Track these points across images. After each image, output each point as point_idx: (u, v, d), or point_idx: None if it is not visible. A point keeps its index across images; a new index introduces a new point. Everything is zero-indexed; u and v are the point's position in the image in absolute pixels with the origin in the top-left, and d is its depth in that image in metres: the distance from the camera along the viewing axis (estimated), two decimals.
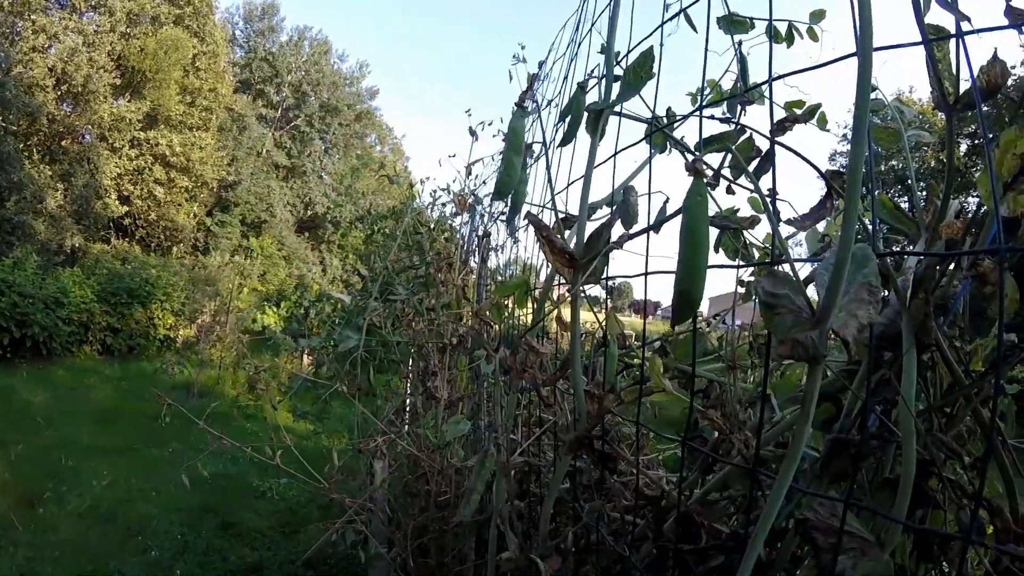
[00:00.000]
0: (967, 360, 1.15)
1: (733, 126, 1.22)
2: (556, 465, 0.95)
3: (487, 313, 1.03)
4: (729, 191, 1.29)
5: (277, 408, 9.28)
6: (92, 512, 5.34)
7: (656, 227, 0.87)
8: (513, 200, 0.98)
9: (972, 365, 1.16)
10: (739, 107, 1.40)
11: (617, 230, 0.96)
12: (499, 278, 2.70)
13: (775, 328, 0.69)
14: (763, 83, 1.01)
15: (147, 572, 4.53)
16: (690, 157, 0.92)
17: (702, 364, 1.31)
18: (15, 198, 17.04)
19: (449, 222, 3.56)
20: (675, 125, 1.28)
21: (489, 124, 2.86)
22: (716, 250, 1.40)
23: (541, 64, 2.30)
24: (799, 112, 1.38)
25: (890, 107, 1.30)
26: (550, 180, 1.00)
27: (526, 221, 1.55)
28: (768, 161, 1.20)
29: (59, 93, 18.94)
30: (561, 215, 1.00)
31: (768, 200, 0.99)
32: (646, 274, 0.89)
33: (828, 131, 1.46)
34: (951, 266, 1.05)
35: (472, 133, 2.76)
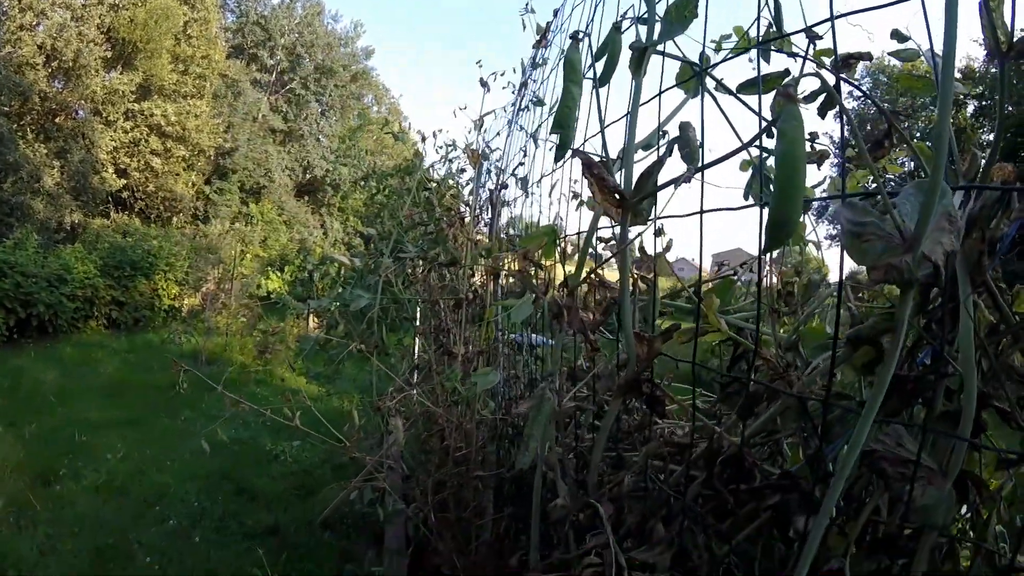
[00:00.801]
0: (1010, 302, 1.14)
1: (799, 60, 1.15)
2: (608, 409, 0.90)
3: (535, 255, 0.97)
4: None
5: (294, 369, 9.33)
6: (108, 486, 5.34)
7: (714, 164, 0.80)
8: (561, 138, 0.92)
9: (1016, 307, 1.15)
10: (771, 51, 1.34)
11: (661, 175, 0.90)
12: (511, 232, 2.64)
13: (865, 254, 0.65)
14: (823, 21, 0.96)
15: (166, 541, 4.54)
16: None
17: (732, 314, 1.26)
18: (12, 179, 16.93)
19: (456, 179, 3.47)
20: (716, 65, 1.21)
21: (501, 74, 2.76)
22: (746, 197, 1.34)
23: (556, 11, 2.21)
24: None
25: (925, 56, 1.28)
26: (600, 115, 0.93)
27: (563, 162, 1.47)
28: (833, 98, 1.14)
29: (50, 70, 18.67)
30: (597, 157, 0.93)
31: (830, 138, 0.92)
32: (701, 212, 0.83)
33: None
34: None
35: (483, 84, 2.67)
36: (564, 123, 0.89)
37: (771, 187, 0.64)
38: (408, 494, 2.73)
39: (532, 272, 0.94)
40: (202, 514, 4.99)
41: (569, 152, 0.93)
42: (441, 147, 3.50)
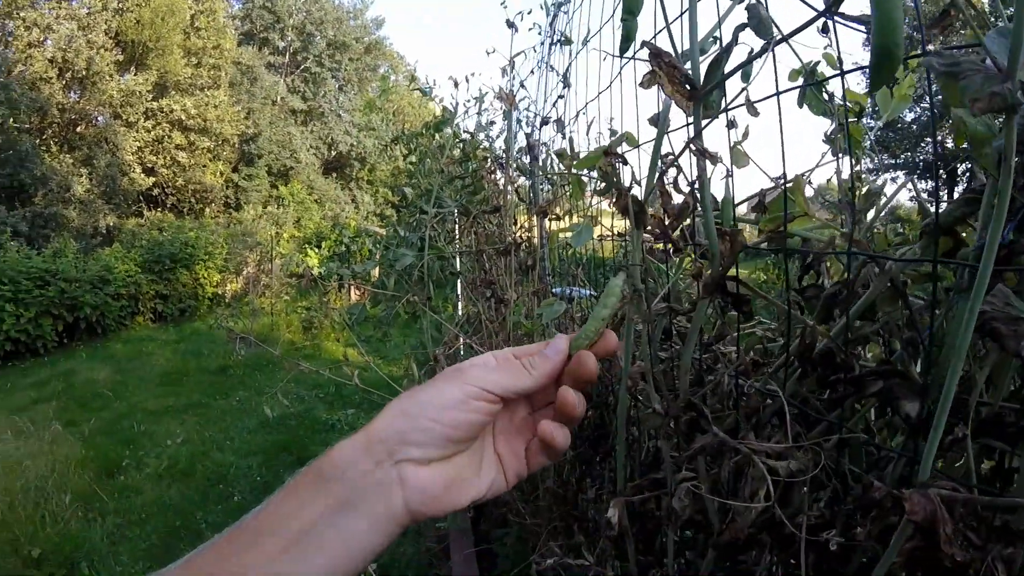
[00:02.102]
0: None
1: None
2: (696, 310, 0.86)
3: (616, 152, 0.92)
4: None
5: (339, 341, 9.41)
6: (171, 470, 5.48)
7: (791, 36, 0.75)
8: (626, 28, 0.86)
9: None
10: None
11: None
12: (550, 176, 2.59)
13: (964, 90, 0.60)
14: None
15: (233, 517, 4.54)
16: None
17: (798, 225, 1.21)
18: (42, 192, 17.24)
19: (487, 131, 3.41)
20: None
21: (528, 13, 2.68)
22: (800, 106, 1.28)
23: None
24: None
25: None
26: (663, 8, 0.87)
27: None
28: None
29: (64, 82, 18.84)
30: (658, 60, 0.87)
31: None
32: (777, 93, 0.78)
33: None
34: None
35: (511, 25, 2.60)
36: (633, 8, 0.83)
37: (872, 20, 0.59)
38: None
39: (614, 168, 0.89)
40: (265, 487, 5.08)
41: (637, 43, 0.88)
42: (470, 101, 3.44)
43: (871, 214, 1.20)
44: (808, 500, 0.86)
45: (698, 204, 0.88)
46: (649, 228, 0.85)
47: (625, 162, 0.92)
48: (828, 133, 1.48)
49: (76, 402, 7.43)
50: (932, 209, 1.17)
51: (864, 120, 1.57)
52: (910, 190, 1.35)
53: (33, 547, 4.08)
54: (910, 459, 0.78)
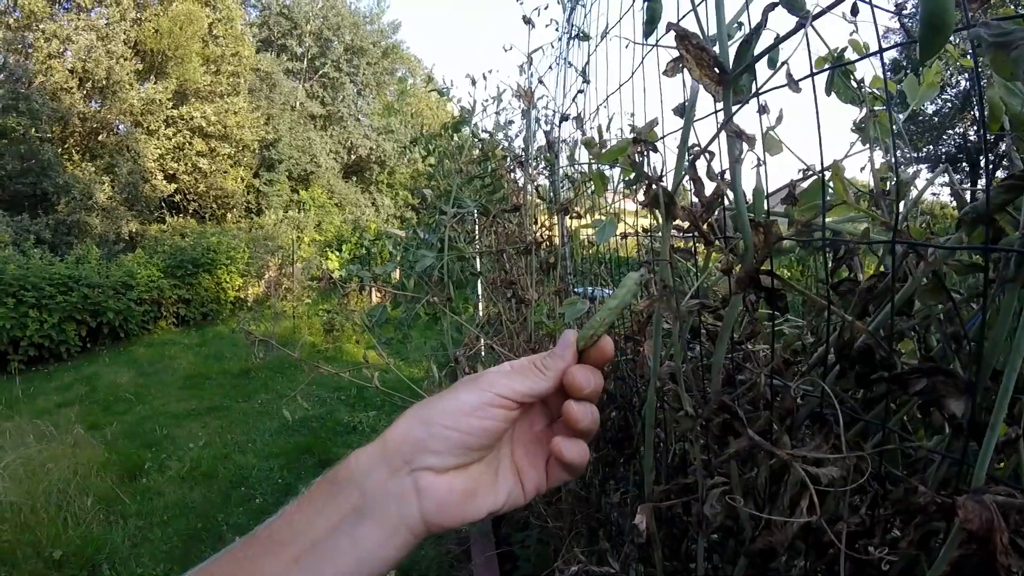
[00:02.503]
0: None
1: None
2: (731, 304, 0.82)
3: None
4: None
5: (359, 343, 9.45)
6: (192, 473, 5.51)
7: (826, 12, 0.71)
8: (651, 10, 0.82)
9: None
10: None
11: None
12: (567, 175, 2.56)
13: (1017, 62, 0.56)
14: None
15: (254, 519, 4.64)
16: None
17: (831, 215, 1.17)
18: (65, 199, 17.48)
19: (505, 130, 3.38)
20: None
21: (545, 8, 2.64)
22: (828, 93, 1.23)
23: None
24: None
25: None
26: None
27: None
28: None
29: (84, 92, 19.10)
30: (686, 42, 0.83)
31: None
32: (812, 74, 0.74)
33: None
34: None
35: (527, 21, 2.56)
36: None
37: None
38: None
39: (645, 157, 0.85)
40: (287, 490, 5.11)
41: (663, 26, 0.84)
42: (488, 100, 3.41)
43: (903, 205, 1.15)
44: (846, 505, 0.82)
45: (728, 194, 0.84)
46: (679, 220, 0.81)
47: (655, 150, 0.88)
48: (857, 121, 1.43)
49: (99, 406, 7.48)
50: (970, 198, 1.13)
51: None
52: (934, 182, 1.30)
53: (55, 549, 4.10)
54: (953, 461, 0.74)
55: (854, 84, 1.31)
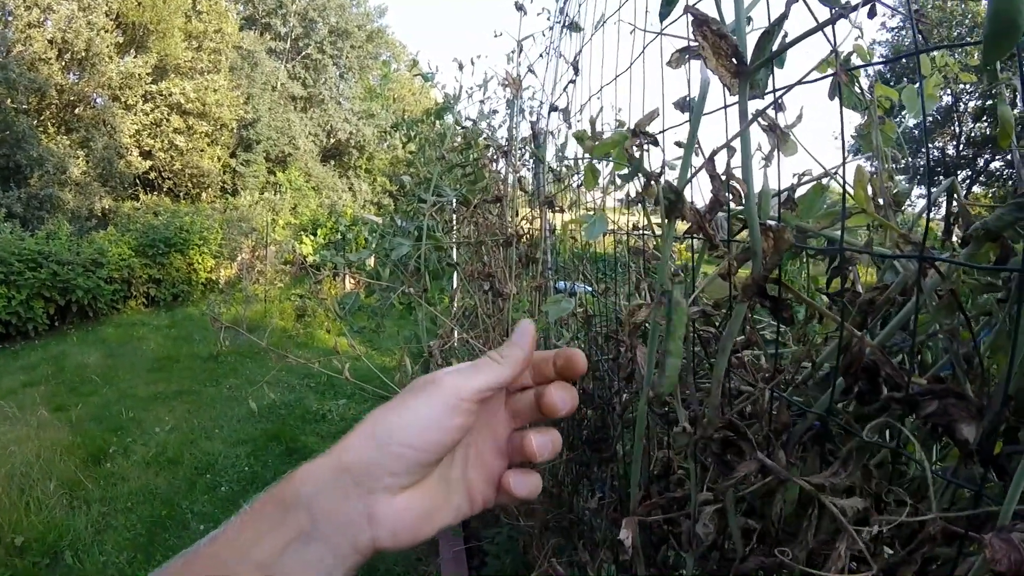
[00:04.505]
0: None
1: None
2: (731, 315, 0.77)
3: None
4: None
5: (329, 332, 9.40)
6: (158, 458, 5.42)
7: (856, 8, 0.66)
8: None
9: None
10: None
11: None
12: (554, 167, 2.51)
13: None
14: None
15: (219, 507, 4.60)
16: None
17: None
18: (38, 173, 17.09)
19: (489, 120, 3.32)
20: None
21: None
22: (832, 98, 1.20)
23: None
24: None
25: None
26: None
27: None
28: None
29: (63, 63, 18.63)
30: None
31: None
32: (837, 72, 0.69)
33: None
34: None
35: (519, 7, 2.50)
36: None
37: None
38: None
39: (640, 147, 0.79)
40: (253, 478, 5.05)
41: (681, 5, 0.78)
42: (473, 88, 3.34)
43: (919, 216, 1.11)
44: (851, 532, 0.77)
45: (733, 195, 0.79)
46: (683, 220, 0.75)
47: (656, 143, 0.83)
48: (859, 128, 1.40)
49: (65, 387, 7.35)
50: (975, 212, 1.09)
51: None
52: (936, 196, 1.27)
53: (16, 535, 4.02)
54: (977, 495, 0.69)
55: (858, 90, 1.28)
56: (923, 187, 1.30)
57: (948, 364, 0.90)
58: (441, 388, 0.54)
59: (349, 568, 0.51)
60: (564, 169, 2.38)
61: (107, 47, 18.87)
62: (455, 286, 3.40)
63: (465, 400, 0.54)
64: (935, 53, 1.49)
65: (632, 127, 0.82)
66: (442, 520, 0.56)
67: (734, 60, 0.68)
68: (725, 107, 0.79)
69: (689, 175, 0.76)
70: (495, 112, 3.45)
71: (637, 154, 0.82)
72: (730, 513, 0.80)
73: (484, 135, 3.12)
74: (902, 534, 0.81)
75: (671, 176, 0.78)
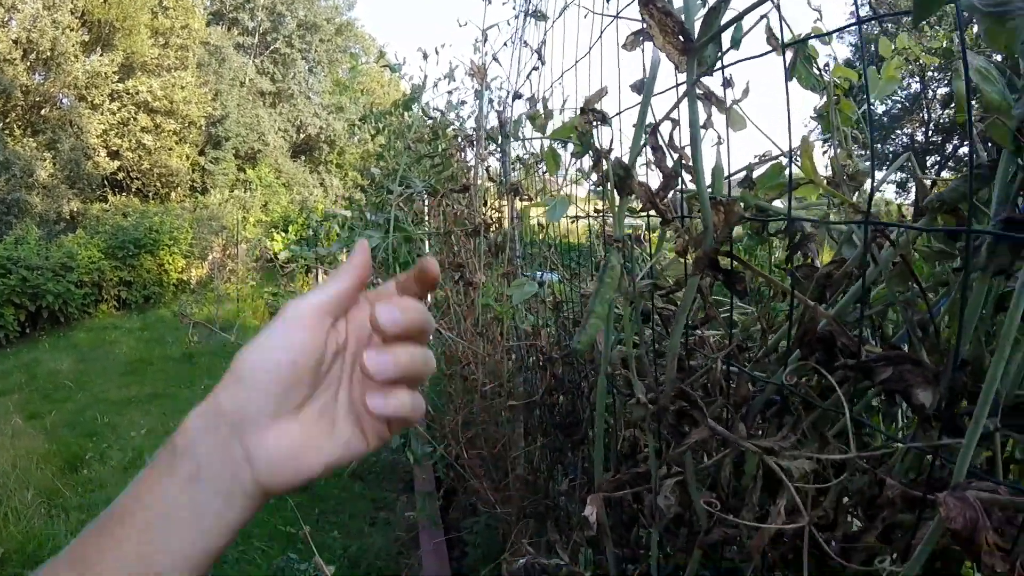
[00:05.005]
0: None
1: None
2: (688, 286, 0.77)
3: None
4: None
5: None
6: (135, 463, 5.32)
7: None
8: None
9: None
10: None
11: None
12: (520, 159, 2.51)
13: (1015, 32, 0.53)
14: None
15: None
16: None
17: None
18: (5, 177, 16.66)
19: (457, 110, 3.31)
20: None
21: None
22: (789, 79, 1.21)
23: None
24: None
25: None
26: None
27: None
28: None
29: (28, 63, 18.12)
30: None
31: None
32: (782, 45, 0.69)
33: None
34: None
35: None
36: None
37: None
38: (435, 435, 2.66)
39: (593, 128, 0.79)
40: None
41: None
42: (441, 79, 3.33)
43: (867, 186, 1.12)
44: (809, 498, 0.78)
45: (686, 172, 0.80)
46: (634, 196, 0.76)
47: (605, 120, 0.83)
48: (818, 108, 1.41)
49: (39, 394, 7.23)
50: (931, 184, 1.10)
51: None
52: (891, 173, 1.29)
53: None
54: (933, 459, 0.70)
55: (816, 71, 1.29)
56: (887, 171, 1.31)
57: (907, 334, 0.92)
58: (285, 309, 0.54)
59: (241, 511, 0.51)
60: (531, 157, 2.38)
61: (73, 46, 18.44)
62: None
63: (304, 316, 0.53)
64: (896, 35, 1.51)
65: (581, 106, 0.83)
66: (328, 455, 0.55)
67: (681, 38, 0.68)
68: (676, 86, 0.79)
69: (639, 149, 0.76)
70: (463, 103, 3.44)
71: (587, 132, 0.82)
72: (691, 485, 0.81)
73: (453, 125, 3.11)
74: (864, 501, 0.82)
75: (623, 155, 0.79)
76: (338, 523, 4.31)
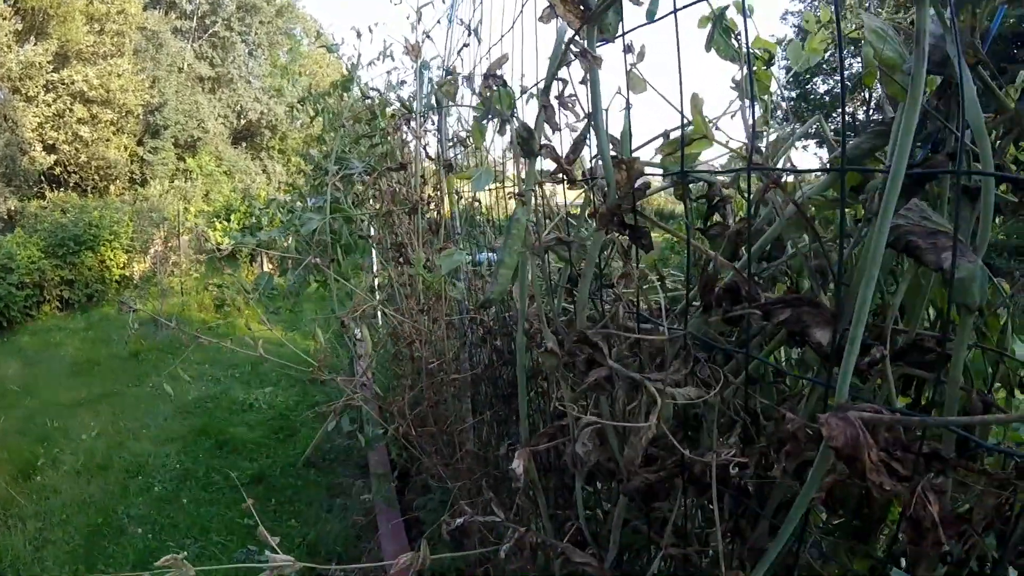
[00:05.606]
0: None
1: None
2: (592, 240, 0.80)
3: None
4: None
5: (245, 325, 9.30)
6: (88, 466, 5.28)
7: None
8: None
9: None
10: None
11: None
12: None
13: None
14: None
15: (155, 508, 4.53)
16: None
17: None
18: None
19: (397, 90, 3.29)
20: None
21: None
22: (708, 50, 1.25)
23: None
24: None
25: None
26: None
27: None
28: None
29: None
30: None
31: None
32: (676, 10, 0.72)
33: None
34: None
35: None
36: None
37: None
38: (387, 417, 2.67)
39: (490, 88, 0.81)
40: (186, 475, 4.99)
41: None
42: (378, 57, 3.31)
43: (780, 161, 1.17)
44: (718, 439, 0.82)
45: (592, 135, 0.82)
46: (542, 155, 0.78)
47: (504, 84, 0.85)
48: (735, 79, 1.45)
49: None
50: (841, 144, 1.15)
51: (777, 73, 1.56)
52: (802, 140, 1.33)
53: None
54: (825, 392, 0.74)
55: (734, 43, 1.33)
56: (800, 130, 1.36)
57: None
58: None
59: None
60: (467, 134, 2.39)
61: (5, 36, 17.70)
62: (374, 260, 3.39)
63: None
64: (819, 12, 1.58)
65: (485, 72, 0.85)
66: None
67: (581, 7, 0.70)
68: (582, 54, 0.81)
69: (542, 112, 0.78)
70: (404, 83, 3.43)
71: (487, 97, 0.84)
72: (609, 431, 0.84)
73: (393, 106, 3.10)
74: (774, 442, 0.87)
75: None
76: (295, 512, 4.31)
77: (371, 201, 2.90)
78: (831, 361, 0.73)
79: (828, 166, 1.00)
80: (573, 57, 0.77)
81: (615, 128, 0.92)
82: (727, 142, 1.10)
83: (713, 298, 0.78)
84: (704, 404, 0.77)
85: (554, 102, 0.77)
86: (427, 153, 2.47)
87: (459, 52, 2.22)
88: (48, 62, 18.85)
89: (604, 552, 1.04)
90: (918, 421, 0.63)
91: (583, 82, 0.84)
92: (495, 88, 0.84)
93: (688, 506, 0.95)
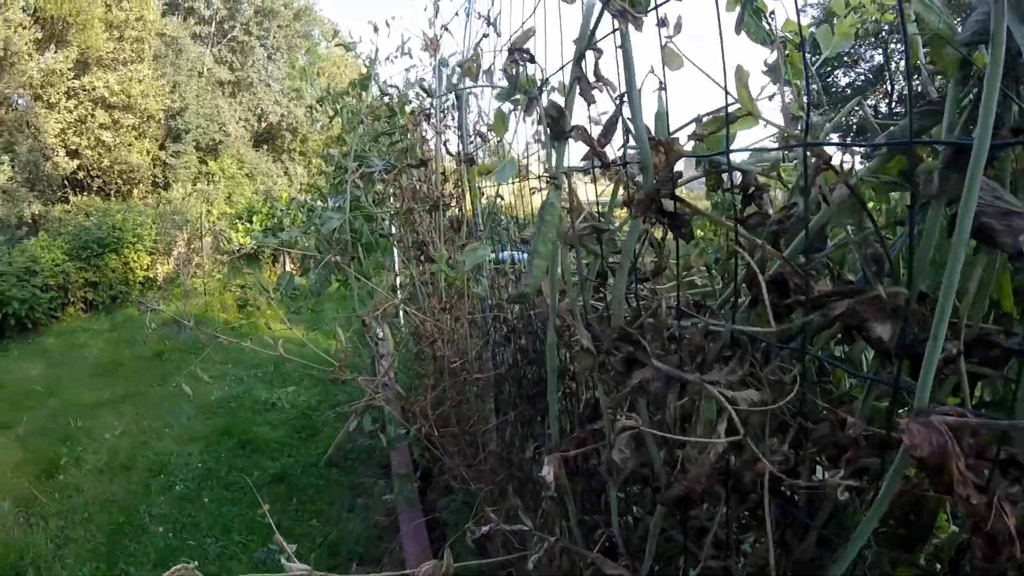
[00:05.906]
0: None
1: None
2: (629, 228, 0.74)
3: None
4: None
5: (268, 326, 9.35)
6: (111, 465, 5.29)
7: None
8: None
9: None
10: None
11: None
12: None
13: None
14: None
15: (176, 507, 4.53)
16: None
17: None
18: None
19: (415, 87, 3.25)
20: None
21: None
22: (738, 32, 1.19)
23: None
24: None
25: None
26: None
27: None
28: None
29: None
30: None
31: None
32: None
33: None
34: None
35: None
36: None
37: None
38: (409, 417, 2.63)
39: (516, 63, 0.76)
40: (208, 474, 4.99)
41: None
42: (396, 54, 3.27)
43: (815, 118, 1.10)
44: (767, 445, 0.76)
45: (628, 118, 0.76)
46: (572, 138, 0.72)
47: (532, 59, 0.79)
48: (768, 63, 1.39)
49: (7, 403, 7.06)
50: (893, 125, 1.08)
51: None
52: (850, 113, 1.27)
53: None
54: (894, 393, 0.67)
55: (766, 26, 1.27)
56: (838, 114, 1.30)
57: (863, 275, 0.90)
58: None
59: None
60: (486, 128, 2.34)
61: (26, 44, 17.87)
62: (396, 258, 3.36)
63: None
64: None
65: (508, 46, 0.79)
66: None
67: None
68: (614, 31, 0.75)
69: (573, 88, 0.72)
70: (423, 80, 3.39)
71: (513, 73, 0.78)
72: (648, 437, 0.78)
73: (412, 103, 3.06)
74: (828, 447, 0.80)
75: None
76: (316, 511, 4.29)
77: (391, 199, 2.86)
78: (895, 358, 0.67)
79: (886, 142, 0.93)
80: (610, 15, 0.71)
81: (648, 111, 0.87)
82: (764, 126, 1.04)
83: (761, 291, 0.72)
84: (755, 407, 0.70)
85: (589, 74, 0.71)
86: (447, 149, 2.42)
87: (478, 44, 2.17)
88: (69, 69, 19.04)
89: (638, 563, 0.98)
90: (1005, 424, 0.56)
91: (593, 47, 0.78)
92: (521, 64, 0.78)
93: (729, 515, 0.88)
